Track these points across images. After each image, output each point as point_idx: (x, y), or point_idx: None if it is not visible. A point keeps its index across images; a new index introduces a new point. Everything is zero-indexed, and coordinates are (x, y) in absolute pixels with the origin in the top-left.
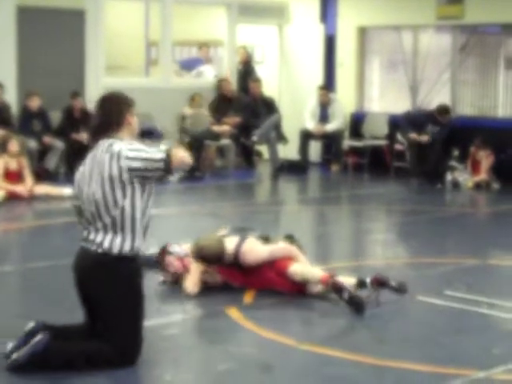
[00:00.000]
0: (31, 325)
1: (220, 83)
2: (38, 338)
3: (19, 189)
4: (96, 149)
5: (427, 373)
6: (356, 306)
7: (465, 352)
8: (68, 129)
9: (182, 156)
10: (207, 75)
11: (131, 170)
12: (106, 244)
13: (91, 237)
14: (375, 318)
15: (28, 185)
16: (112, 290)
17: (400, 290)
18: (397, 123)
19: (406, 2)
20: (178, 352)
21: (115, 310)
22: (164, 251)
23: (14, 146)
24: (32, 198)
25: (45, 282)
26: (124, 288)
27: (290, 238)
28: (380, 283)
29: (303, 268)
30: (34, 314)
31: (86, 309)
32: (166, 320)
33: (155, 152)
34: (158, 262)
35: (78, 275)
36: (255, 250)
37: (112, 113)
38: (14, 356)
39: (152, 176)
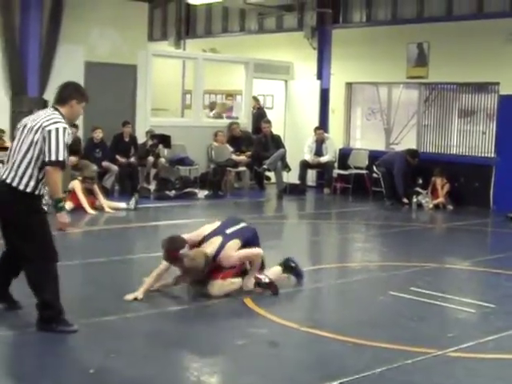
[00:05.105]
0: None
1: (230, 126)
2: None
3: (85, 203)
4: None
5: (396, 350)
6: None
7: (426, 335)
8: (117, 151)
9: (56, 188)
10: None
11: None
12: None
13: None
14: (356, 306)
15: (100, 200)
16: None
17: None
18: (374, 158)
19: (382, 64)
20: (207, 330)
21: None
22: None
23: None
24: (94, 209)
25: (99, 273)
26: None
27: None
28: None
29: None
30: (90, 296)
31: None
32: (198, 304)
33: (62, 151)
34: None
35: None
36: (229, 257)
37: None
38: None
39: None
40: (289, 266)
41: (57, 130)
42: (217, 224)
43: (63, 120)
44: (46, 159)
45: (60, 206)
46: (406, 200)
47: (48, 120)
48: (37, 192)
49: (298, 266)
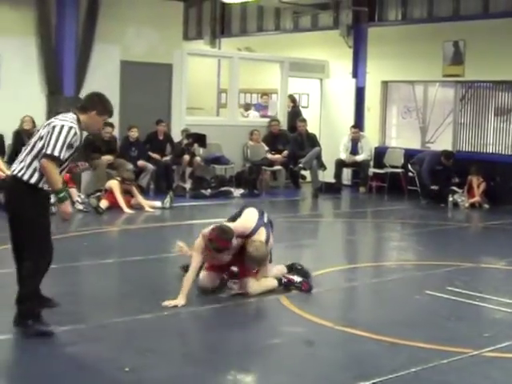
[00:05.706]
0: None
1: (270, 123)
2: None
3: (122, 202)
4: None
5: (432, 350)
6: None
7: (462, 335)
8: (151, 149)
9: (53, 180)
10: (252, 116)
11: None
12: None
13: None
14: (391, 306)
15: (140, 200)
16: None
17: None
18: (410, 156)
19: (418, 62)
20: (242, 329)
21: None
22: None
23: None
24: (130, 208)
25: (135, 272)
26: None
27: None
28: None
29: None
30: (126, 294)
31: None
32: (234, 302)
33: (60, 147)
34: None
35: None
36: (271, 245)
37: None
38: None
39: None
40: (295, 268)
41: (62, 126)
42: (255, 212)
43: (74, 122)
44: (43, 151)
45: (61, 197)
46: (434, 187)
47: (58, 118)
48: (40, 185)
49: (304, 268)
